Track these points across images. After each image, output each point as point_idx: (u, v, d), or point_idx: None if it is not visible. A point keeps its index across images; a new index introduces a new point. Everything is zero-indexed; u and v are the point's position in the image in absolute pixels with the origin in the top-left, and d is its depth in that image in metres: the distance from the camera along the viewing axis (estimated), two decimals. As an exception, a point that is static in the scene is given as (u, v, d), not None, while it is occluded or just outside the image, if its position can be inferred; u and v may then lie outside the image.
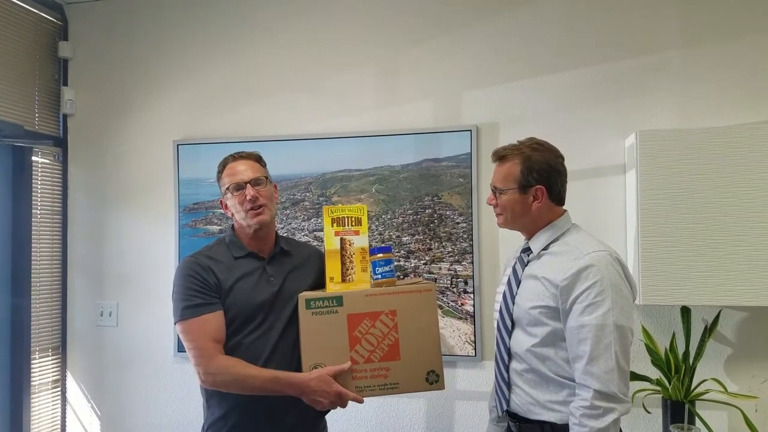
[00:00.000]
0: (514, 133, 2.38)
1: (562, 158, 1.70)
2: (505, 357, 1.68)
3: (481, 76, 2.57)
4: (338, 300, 1.67)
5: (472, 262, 2.51)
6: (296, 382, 1.63)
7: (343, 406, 1.66)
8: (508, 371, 1.67)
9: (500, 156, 1.71)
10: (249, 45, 2.81)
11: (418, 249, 2.57)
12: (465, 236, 2.53)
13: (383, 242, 2.58)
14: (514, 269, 1.74)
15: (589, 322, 1.50)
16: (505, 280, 1.76)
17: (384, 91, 2.66)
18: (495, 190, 1.71)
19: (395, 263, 2.56)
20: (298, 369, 1.69)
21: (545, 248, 1.67)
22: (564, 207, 1.72)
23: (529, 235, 1.72)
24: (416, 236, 2.57)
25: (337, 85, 2.70)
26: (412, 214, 2.58)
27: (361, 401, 1.66)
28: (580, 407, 1.49)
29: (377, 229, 2.61)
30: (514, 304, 1.67)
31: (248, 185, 1.74)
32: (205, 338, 1.66)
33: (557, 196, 1.69)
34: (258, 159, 1.84)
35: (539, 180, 1.65)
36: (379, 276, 1.74)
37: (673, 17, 2.40)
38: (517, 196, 1.66)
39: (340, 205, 1.80)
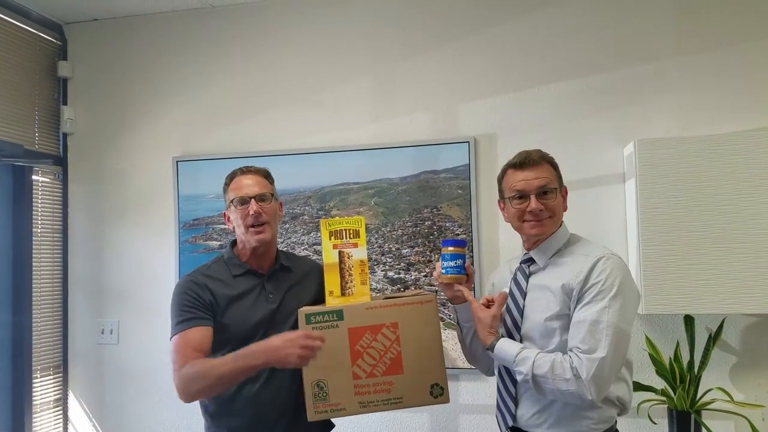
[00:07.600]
0: (513, 144, 2.40)
1: None
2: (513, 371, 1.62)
3: (478, 87, 2.57)
4: (338, 314, 1.65)
5: (473, 274, 2.50)
6: (260, 347, 1.54)
7: (314, 347, 1.50)
8: (515, 385, 1.62)
9: (537, 157, 1.63)
10: (246, 61, 2.82)
11: (418, 261, 2.56)
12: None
13: (383, 254, 2.57)
14: (516, 282, 1.67)
15: (593, 310, 1.47)
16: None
17: (381, 104, 2.66)
18: (547, 191, 1.60)
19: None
20: (300, 386, 1.67)
21: (550, 258, 1.62)
22: None
23: (537, 244, 1.64)
24: (416, 248, 2.57)
25: (334, 98, 2.71)
26: (411, 226, 2.58)
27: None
28: (569, 366, 1.45)
29: (377, 242, 2.60)
30: (522, 317, 1.61)
31: (252, 200, 1.72)
32: (185, 349, 1.61)
33: None
34: (266, 175, 1.82)
35: (561, 181, 1.66)
36: (445, 271, 1.66)
37: (669, 25, 2.41)
38: (561, 198, 1.65)
39: (337, 217, 1.78)
